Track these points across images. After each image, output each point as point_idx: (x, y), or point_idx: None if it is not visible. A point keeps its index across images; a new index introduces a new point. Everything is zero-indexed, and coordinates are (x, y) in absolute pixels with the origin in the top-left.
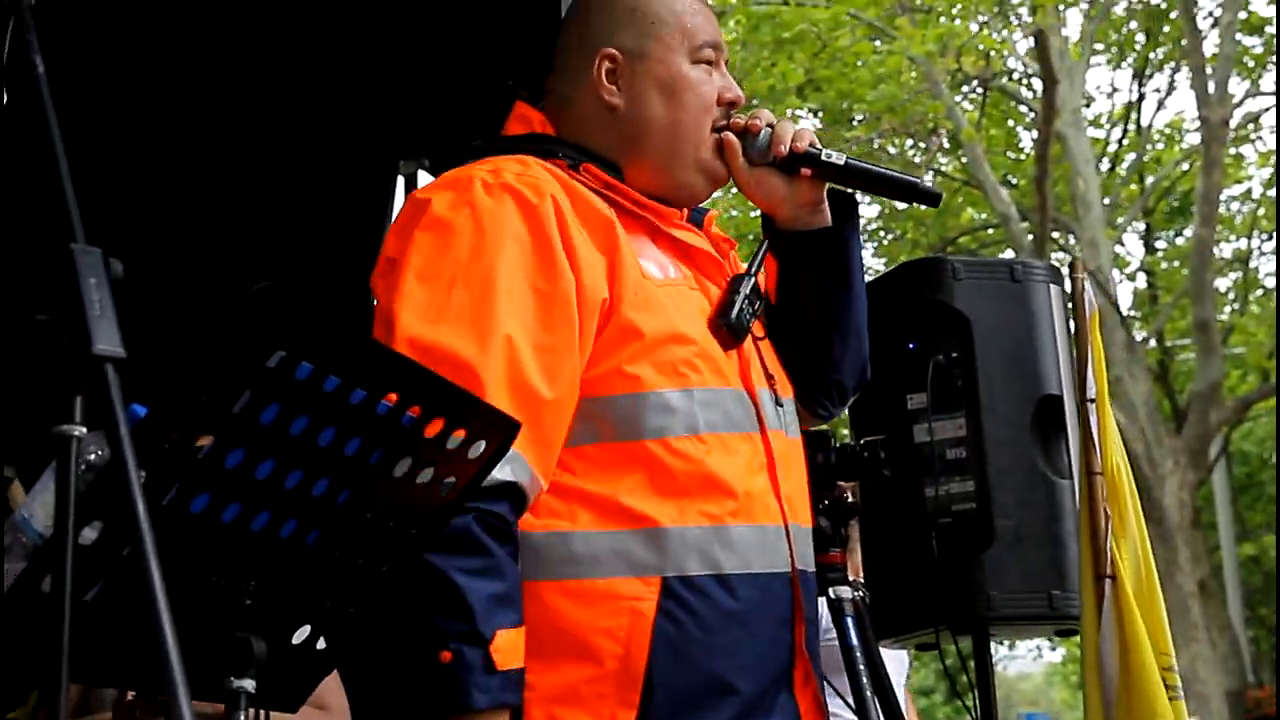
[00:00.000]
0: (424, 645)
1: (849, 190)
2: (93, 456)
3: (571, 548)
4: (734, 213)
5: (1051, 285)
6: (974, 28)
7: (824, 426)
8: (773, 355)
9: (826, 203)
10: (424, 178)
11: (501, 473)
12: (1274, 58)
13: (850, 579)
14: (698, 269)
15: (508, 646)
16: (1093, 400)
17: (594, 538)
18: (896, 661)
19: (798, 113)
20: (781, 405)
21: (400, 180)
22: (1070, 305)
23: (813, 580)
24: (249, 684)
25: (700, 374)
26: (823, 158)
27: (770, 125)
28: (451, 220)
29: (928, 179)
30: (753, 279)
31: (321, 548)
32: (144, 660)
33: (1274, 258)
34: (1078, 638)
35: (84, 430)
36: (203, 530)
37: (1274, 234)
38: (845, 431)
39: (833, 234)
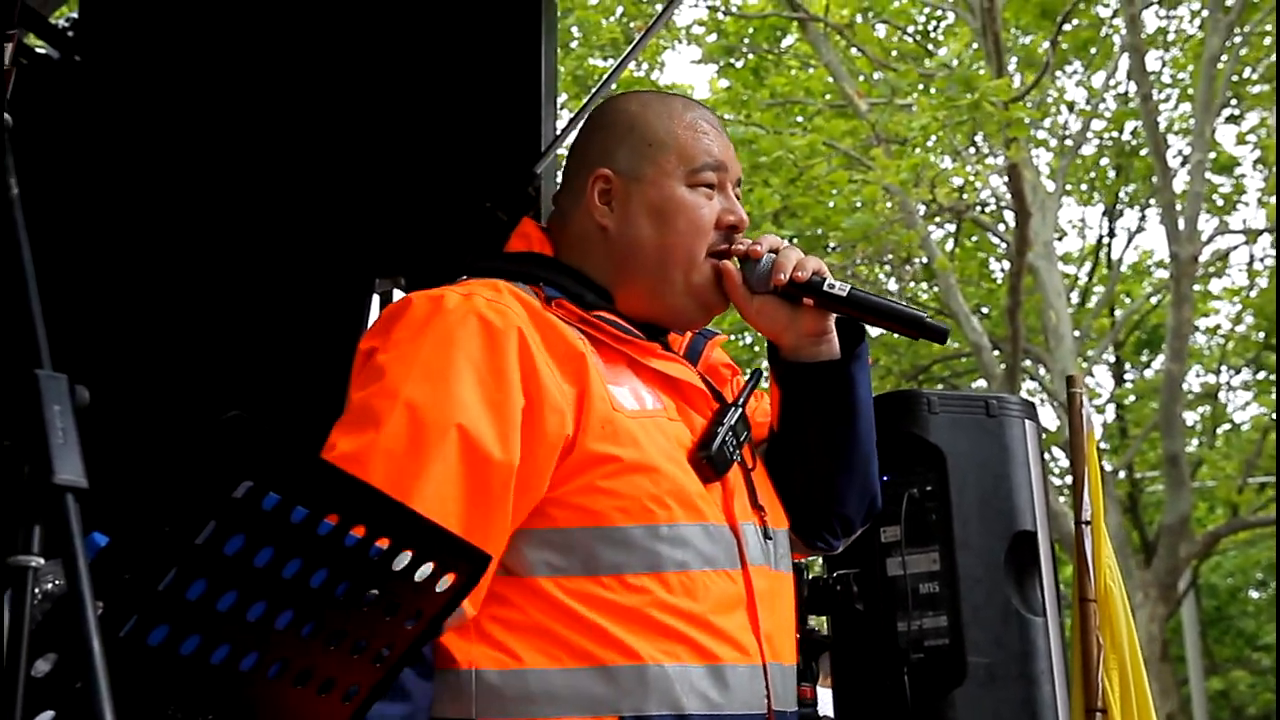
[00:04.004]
0: None
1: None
2: (50, 586)
3: (527, 686)
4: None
5: (1026, 420)
6: (948, 161)
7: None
8: (766, 485)
9: (834, 333)
10: (399, 296)
11: None
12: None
13: (820, 715)
14: (683, 399)
15: None
16: (1088, 523)
17: (550, 675)
18: None
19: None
20: (771, 538)
21: (375, 299)
22: (1068, 422)
23: None
24: None
25: (669, 509)
26: (825, 288)
27: (773, 251)
28: (424, 321)
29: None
30: (739, 410)
31: (283, 680)
32: None
33: (1242, 393)
34: None
35: (41, 561)
36: (160, 662)
37: (1241, 367)
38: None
39: (838, 367)
